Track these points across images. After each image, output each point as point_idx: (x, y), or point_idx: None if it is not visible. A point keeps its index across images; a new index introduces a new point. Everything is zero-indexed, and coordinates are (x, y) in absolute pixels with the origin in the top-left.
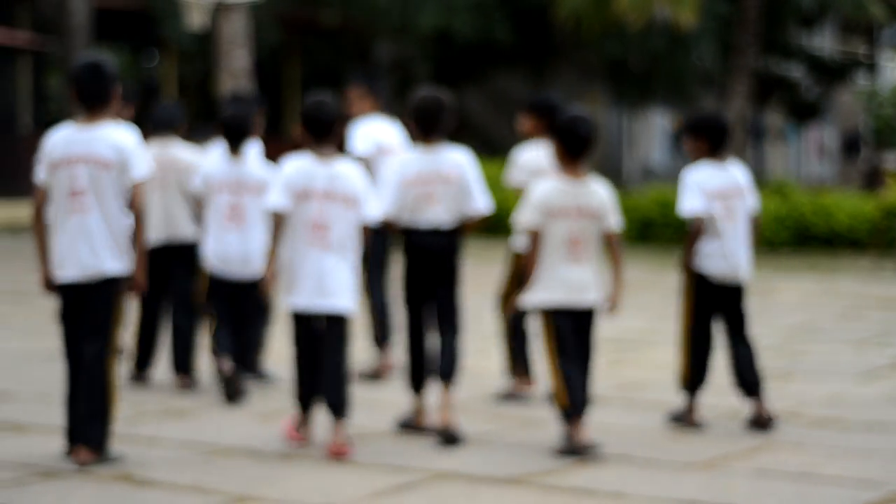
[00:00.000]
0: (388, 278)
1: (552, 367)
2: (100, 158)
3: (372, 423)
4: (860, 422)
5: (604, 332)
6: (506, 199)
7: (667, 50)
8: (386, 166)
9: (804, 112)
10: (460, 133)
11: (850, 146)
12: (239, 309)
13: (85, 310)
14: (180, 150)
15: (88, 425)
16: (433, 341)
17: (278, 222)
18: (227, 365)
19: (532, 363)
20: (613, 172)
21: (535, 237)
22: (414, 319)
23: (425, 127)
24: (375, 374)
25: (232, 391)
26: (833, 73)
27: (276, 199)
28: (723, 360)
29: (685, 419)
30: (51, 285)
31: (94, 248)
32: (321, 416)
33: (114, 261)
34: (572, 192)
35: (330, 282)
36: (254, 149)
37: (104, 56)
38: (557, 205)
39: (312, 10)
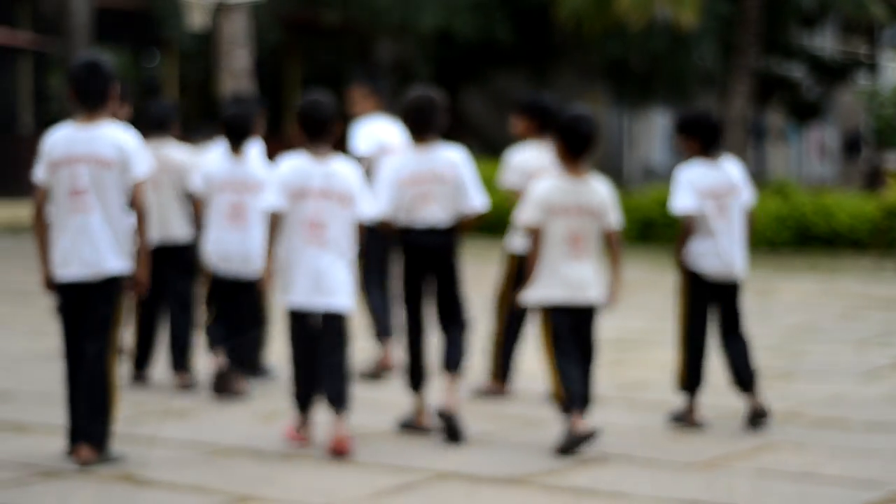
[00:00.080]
0: (387, 276)
1: (549, 363)
2: (101, 158)
3: (373, 423)
4: (861, 422)
5: (605, 332)
6: (505, 199)
7: (668, 50)
8: (382, 166)
9: (805, 112)
10: (461, 133)
11: (851, 146)
12: (239, 307)
13: (86, 309)
14: (174, 150)
15: (89, 423)
16: (436, 340)
17: (275, 221)
18: (220, 359)
19: (512, 369)
20: (614, 172)
21: (536, 235)
22: (413, 319)
23: (418, 127)
24: (376, 372)
25: (220, 385)
26: (834, 73)
27: (273, 198)
28: (720, 358)
29: (686, 419)
30: (51, 284)
31: (96, 247)
32: (321, 416)
33: (116, 260)
34: (573, 190)
35: (327, 280)
36: (255, 148)
37: (102, 55)
38: (558, 203)
39: (313, 10)
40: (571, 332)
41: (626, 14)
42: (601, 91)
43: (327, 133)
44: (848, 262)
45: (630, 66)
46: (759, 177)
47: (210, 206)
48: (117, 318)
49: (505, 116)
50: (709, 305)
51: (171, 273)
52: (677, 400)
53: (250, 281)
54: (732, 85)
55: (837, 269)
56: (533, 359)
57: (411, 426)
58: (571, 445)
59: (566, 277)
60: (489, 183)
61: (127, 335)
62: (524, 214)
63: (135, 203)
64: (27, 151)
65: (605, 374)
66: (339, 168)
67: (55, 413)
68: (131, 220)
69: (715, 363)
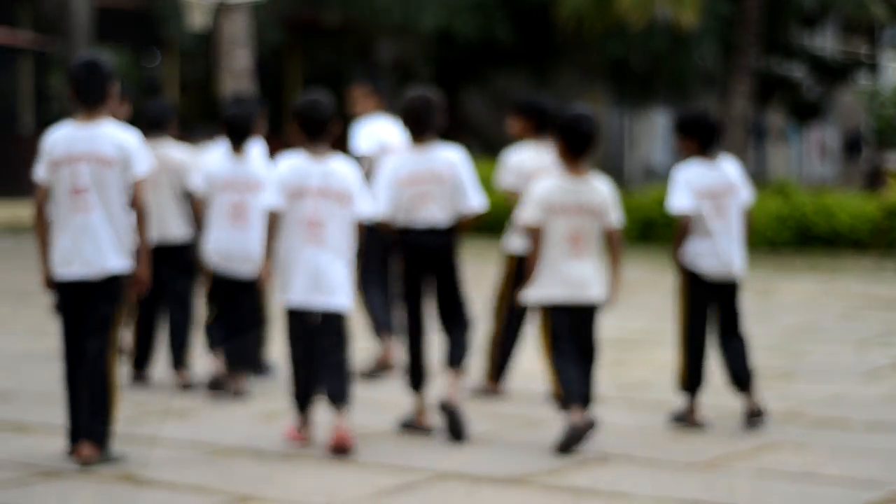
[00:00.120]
0: (385, 275)
1: (547, 361)
2: (102, 156)
3: (373, 423)
4: (862, 422)
5: (605, 332)
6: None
7: (668, 50)
8: (381, 166)
9: (806, 112)
10: (461, 133)
11: (852, 146)
12: (240, 306)
13: (87, 308)
14: (172, 150)
15: (91, 421)
16: (438, 340)
17: (273, 220)
18: (218, 361)
19: (508, 369)
20: (615, 172)
21: (537, 234)
22: (413, 319)
23: (416, 127)
24: (376, 370)
25: (216, 385)
26: (834, 73)
27: (271, 197)
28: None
29: (687, 419)
30: (51, 283)
31: (98, 246)
32: (322, 416)
33: (118, 258)
34: (574, 189)
35: (326, 279)
36: (256, 148)
37: (101, 55)
38: (559, 202)
39: (314, 10)
40: (571, 332)
41: (626, 14)
42: (602, 91)
43: (326, 132)
44: (848, 262)
45: (631, 65)
46: (759, 177)
47: (211, 205)
48: (119, 317)
49: (505, 117)
50: (708, 305)
51: (169, 272)
52: (678, 400)
53: (251, 280)
54: (733, 85)
55: (838, 269)
56: (532, 359)
57: (412, 426)
58: (572, 439)
59: (567, 276)
60: (489, 183)
61: (126, 335)
62: (525, 214)
63: (135, 201)
64: (28, 151)
65: (605, 374)
66: (338, 167)
67: (56, 413)
68: (132, 218)
69: (714, 363)
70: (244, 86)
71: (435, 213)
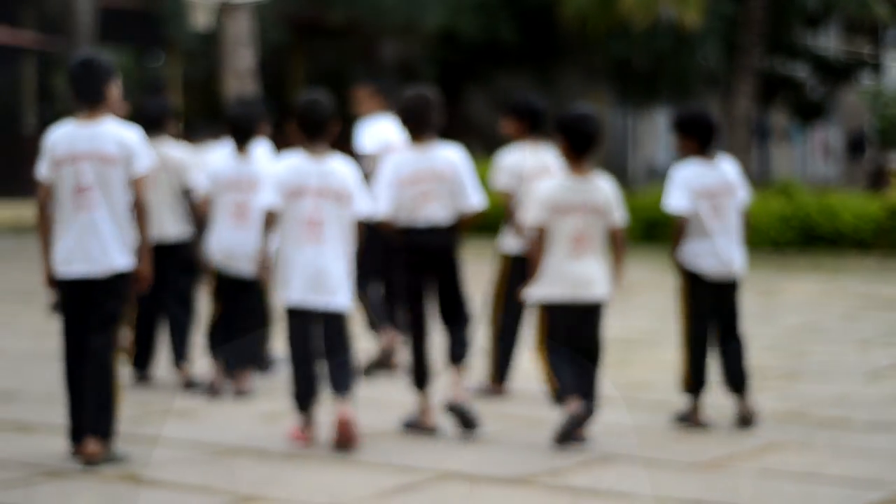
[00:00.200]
0: (385, 274)
1: (540, 357)
2: (105, 155)
3: (377, 422)
4: (865, 422)
5: (608, 332)
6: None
7: (672, 50)
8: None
9: (809, 112)
10: (464, 133)
11: (855, 146)
12: (244, 305)
13: (92, 305)
14: (170, 148)
15: (96, 417)
16: (439, 338)
17: (270, 219)
18: (218, 367)
19: (510, 369)
20: (618, 172)
21: (541, 234)
22: (416, 318)
23: (415, 126)
24: (381, 361)
25: (212, 390)
26: (838, 73)
27: (269, 196)
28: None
29: (690, 419)
30: (53, 281)
31: (103, 244)
32: (325, 416)
33: (122, 256)
34: (578, 189)
35: (325, 278)
36: (261, 148)
37: (98, 53)
38: (563, 202)
39: (317, 10)
40: (572, 331)
41: (630, 14)
42: (605, 91)
43: (325, 132)
44: (852, 262)
45: (634, 65)
46: (762, 177)
47: (215, 204)
48: (123, 314)
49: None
50: (709, 306)
51: (169, 271)
52: (680, 400)
53: (254, 279)
54: (736, 85)
55: (841, 270)
56: (534, 359)
57: (415, 426)
58: (569, 427)
59: (570, 275)
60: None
61: (126, 333)
62: (530, 214)
63: (136, 198)
64: (31, 151)
65: (608, 374)
66: (336, 166)
67: (59, 413)
68: (133, 215)
69: (714, 363)
70: (247, 85)
71: (437, 212)
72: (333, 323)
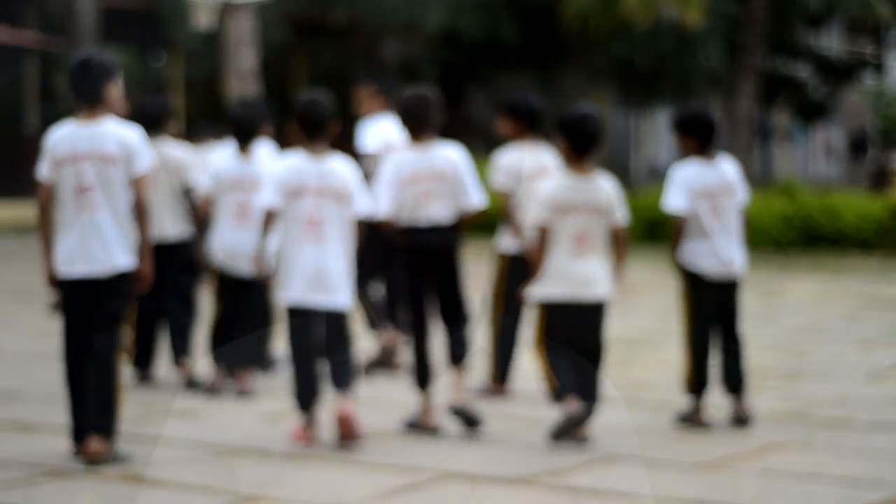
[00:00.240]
0: (385, 273)
1: (539, 355)
2: (106, 154)
3: (379, 422)
4: (867, 422)
5: (610, 331)
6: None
7: (674, 50)
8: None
9: (811, 112)
10: (466, 133)
11: (858, 146)
12: (246, 305)
13: (94, 305)
14: (171, 148)
15: (99, 415)
16: (440, 337)
17: (269, 219)
18: (216, 370)
19: (511, 369)
20: (620, 172)
21: (543, 233)
22: (418, 317)
23: (414, 125)
24: (382, 359)
25: (213, 392)
26: (840, 73)
27: (269, 196)
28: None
29: (692, 419)
30: (54, 281)
31: (105, 244)
32: (326, 416)
33: (125, 256)
34: (579, 188)
35: (325, 277)
36: (263, 148)
37: (98, 52)
38: (565, 201)
39: (319, 10)
40: (573, 331)
41: (631, 14)
42: (607, 91)
43: (325, 132)
44: (854, 263)
45: (636, 65)
46: (765, 177)
47: (218, 204)
48: (126, 314)
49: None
50: (711, 306)
51: (169, 271)
52: (683, 400)
53: (256, 279)
54: (738, 85)
55: (843, 270)
56: (533, 358)
57: (417, 426)
58: (566, 426)
59: (572, 275)
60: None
61: (126, 334)
62: (532, 214)
63: (137, 198)
64: (33, 151)
65: (610, 374)
66: (336, 166)
67: (60, 412)
68: (133, 215)
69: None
70: (249, 85)
71: (438, 211)
72: (334, 322)
